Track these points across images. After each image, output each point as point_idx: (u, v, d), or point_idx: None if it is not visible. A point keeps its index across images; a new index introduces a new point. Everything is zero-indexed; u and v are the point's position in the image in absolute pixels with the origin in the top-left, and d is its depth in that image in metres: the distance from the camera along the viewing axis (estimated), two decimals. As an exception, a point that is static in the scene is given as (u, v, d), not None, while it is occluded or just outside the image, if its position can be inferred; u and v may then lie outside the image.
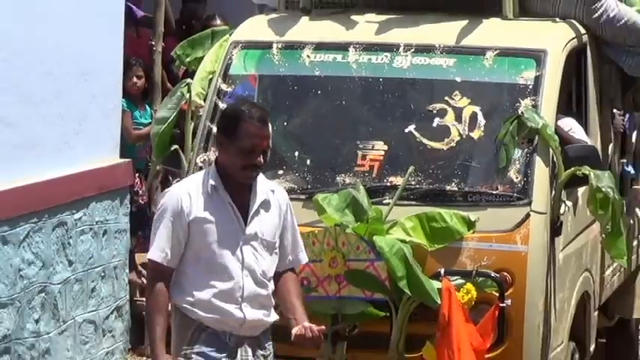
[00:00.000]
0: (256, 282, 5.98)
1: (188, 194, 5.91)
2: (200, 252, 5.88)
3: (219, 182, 5.91)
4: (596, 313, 9.72)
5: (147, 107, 11.78)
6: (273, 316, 6.09)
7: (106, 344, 10.80)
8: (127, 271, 11.53)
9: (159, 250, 5.85)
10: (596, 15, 9.39)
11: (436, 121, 8.26)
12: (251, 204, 5.94)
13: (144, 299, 8.51)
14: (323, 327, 6.54)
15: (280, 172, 8.60)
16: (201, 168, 8.49)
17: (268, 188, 6.27)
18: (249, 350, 5.94)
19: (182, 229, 5.84)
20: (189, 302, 5.85)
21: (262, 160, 5.89)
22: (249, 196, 5.98)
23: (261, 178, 6.13)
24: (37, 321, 9.50)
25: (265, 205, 6.06)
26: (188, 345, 5.86)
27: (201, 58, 9.59)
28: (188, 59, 9.91)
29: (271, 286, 6.14)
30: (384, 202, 7.98)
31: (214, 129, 8.42)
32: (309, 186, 8.40)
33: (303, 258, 6.48)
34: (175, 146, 9.05)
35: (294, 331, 5.88)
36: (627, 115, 10.49)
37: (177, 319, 5.94)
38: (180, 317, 5.91)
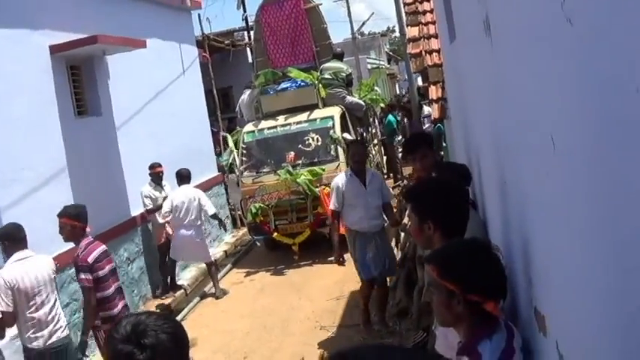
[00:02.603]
0: (374, 209, 7.19)
1: (342, 179, 7.28)
2: (349, 201, 7.15)
3: (353, 173, 7.24)
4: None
5: (221, 156, 13.28)
6: (381, 223, 7.26)
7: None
8: (226, 205, 13.61)
9: (333, 204, 7.29)
10: (345, 103, 12.09)
11: (307, 142, 11.13)
12: (367, 179, 7.23)
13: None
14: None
15: (262, 166, 11.13)
16: (241, 171, 11.15)
17: (372, 172, 7.49)
18: (376, 236, 7.17)
19: (340, 194, 7.17)
20: (349, 222, 7.25)
21: (360, 161, 7.31)
22: (364, 176, 7.22)
23: (368, 168, 7.51)
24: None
25: (372, 179, 7.29)
26: (353, 241, 7.24)
27: (236, 139, 12.02)
28: (233, 139, 12.31)
29: (380, 211, 7.26)
30: (297, 168, 10.75)
31: (244, 159, 11.17)
32: (274, 168, 10.98)
33: (389, 197, 7.54)
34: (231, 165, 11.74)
35: (389, 224, 7.45)
36: (363, 127, 12.82)
37: (347, 231, 7.31)
38: (348, 230, 7.30)
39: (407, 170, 13.91)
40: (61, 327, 5.75)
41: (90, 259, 5.80)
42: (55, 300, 5.81)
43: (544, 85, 1.79)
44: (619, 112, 1.20)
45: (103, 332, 5.81)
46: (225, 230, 10.49)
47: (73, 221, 5.87)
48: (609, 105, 1.25)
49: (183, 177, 10.05)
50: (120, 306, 6.07)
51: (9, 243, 5.72)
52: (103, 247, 6.14)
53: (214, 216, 10.15)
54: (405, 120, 18.07)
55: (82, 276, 5.80)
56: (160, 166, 10.21)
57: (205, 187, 12.23)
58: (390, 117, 17.02)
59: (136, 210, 10.21)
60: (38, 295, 5.58)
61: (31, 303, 5.54)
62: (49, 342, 5.58)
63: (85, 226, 5.96)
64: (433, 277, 2.36)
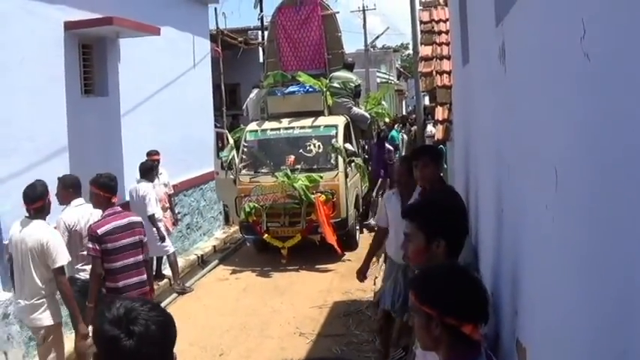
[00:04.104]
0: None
1: (388, 195, 6.38)
2: (389, 221, 6.13)
3: (397, 192, 6.04)
4: (361, 199, 12.33)
5: (223, 151, 12.69)
6: None
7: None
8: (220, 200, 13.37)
9: (376, 218, 6.93)
10: (351, 113, 12.19)
11: (308, 148, 11.23)
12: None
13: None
14: None
15: (261, 166, 11.21)
16: (240, 169, 11.15)
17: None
18: (400, 270, 5.88)
19: (384, 209, 6.24)
20: (386, 243, 6.30)
21: (403, 182, 6.10)
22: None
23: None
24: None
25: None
26: (386, 265, 6.59)
27: (238, 136, 11.95)
28: (235, 137, 12.11)
29: None
30: (296, 172, 10.75)
31: (244, 157, 11.20)
32: (272, 170, 11.01)
33: None
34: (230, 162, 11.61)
35: None
36: (365, 141, 13.04)
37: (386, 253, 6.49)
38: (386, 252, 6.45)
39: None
40: None
41: (100, 231, 5.93)
42: None
43: (554, 117, 1.78)
44: (629, 153, 1.19)
45: None
46: (162, 237, 9.68)
47: (98, 190, 6.19)
48: (620, 144, 1.24)
49: (142, 171, 9.61)
50: (131, 280, 6.06)
51: (73, 190, 6.55)
52: (126, 220, 6.13)
53: (151, 217, 9.27)
54: (404, 136, 18.11)
55: (90, 245, 6.00)
56: (157, 154, 10.17)
57: (202, 180, 12.24)
58: (394, 132, 17.17)
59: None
60: None
61: (84, 242, 6.20)
62: None
63: (110, 197, 6.19)
64: (412, 302, 2.38)
